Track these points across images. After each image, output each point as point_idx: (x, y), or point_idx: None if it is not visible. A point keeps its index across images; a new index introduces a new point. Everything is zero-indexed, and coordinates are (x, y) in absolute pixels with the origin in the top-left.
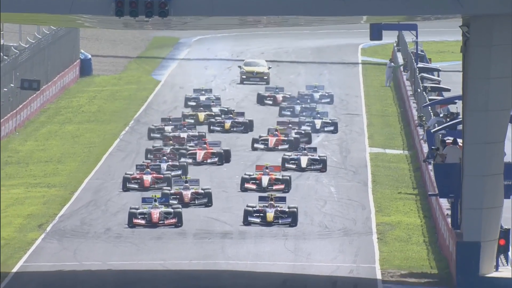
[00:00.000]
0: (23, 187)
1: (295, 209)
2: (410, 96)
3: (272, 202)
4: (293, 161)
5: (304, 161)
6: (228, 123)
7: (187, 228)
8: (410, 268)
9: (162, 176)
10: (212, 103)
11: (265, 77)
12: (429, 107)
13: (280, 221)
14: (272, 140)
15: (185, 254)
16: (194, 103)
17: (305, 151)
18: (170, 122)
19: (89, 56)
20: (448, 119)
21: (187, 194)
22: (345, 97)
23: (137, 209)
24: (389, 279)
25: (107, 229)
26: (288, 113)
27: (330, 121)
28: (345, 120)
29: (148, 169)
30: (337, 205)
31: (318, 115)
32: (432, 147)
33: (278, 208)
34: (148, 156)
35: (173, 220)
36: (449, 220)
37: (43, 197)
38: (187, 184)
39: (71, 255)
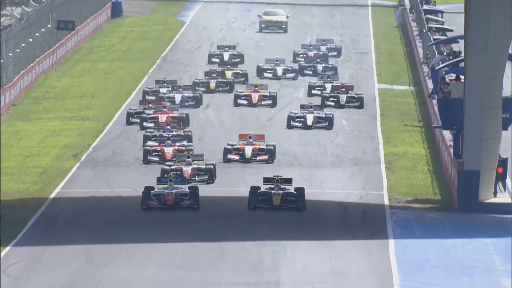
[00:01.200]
0: (59, 120)
1: (303, 192)
2: (416, 36)
3: (278, 183)
4: (299, 119)
5: (310, 119)
6: (213, 83)
7: (212, 159)
8: (415, 195)
9: (184, 148)
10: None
11: (284, 26)
12: (434, 46)
13: (288, 205)
14: (255, 96)
15: None
16: (217, 60)
17: (311, 109)
18: (165, 84)
19: None
20: (451, 57)
21: (188, 170)
22: (356, 37)
23: (152, 189)
24: (396, 205)
25: (136, 159)
26: (310, 72)
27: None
28: (356, 58)
29: (169, 141)
30: (348, 137)
31: (329, 79)
32: (443, 77)
33: (285, 191)
34: (130, 119)
35: (189, 202)
36: (451, 150)
37: (78, 129)
38: (189, 160)
39: (104, 182)
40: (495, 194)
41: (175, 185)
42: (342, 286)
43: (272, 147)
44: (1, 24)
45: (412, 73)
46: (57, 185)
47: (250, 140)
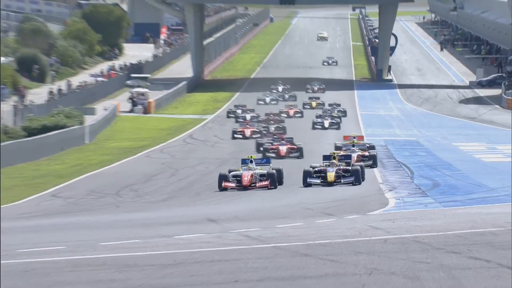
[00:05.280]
0: (264, 40)
1: (359, 167)
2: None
3: (334, 161)
4: (319, 124)
5: (326, 123)
6: (314, 102)
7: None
8: (363, 76)
9: (296, 147)
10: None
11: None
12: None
13: (342, 180)
14: (290, 111)
15: None
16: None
17: (326, 117)
18: (239, 107)
19: None
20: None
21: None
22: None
23: (234, 171)
24: (357, 80)
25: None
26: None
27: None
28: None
29: (283, 141)
30: (340, 66)
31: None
32: (374, 40)
33: (341, 167)
34: (228, 115)
35: (265, 183)
36: (374, 62)
37: (267, 41)
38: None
39: (269, 73)
40: (387, 76)
41: (257, 167)
42: (339, 103)
43: (373, 144)
44: None
45: (363, 42)
46: (252, 73)
47: (354, 139)
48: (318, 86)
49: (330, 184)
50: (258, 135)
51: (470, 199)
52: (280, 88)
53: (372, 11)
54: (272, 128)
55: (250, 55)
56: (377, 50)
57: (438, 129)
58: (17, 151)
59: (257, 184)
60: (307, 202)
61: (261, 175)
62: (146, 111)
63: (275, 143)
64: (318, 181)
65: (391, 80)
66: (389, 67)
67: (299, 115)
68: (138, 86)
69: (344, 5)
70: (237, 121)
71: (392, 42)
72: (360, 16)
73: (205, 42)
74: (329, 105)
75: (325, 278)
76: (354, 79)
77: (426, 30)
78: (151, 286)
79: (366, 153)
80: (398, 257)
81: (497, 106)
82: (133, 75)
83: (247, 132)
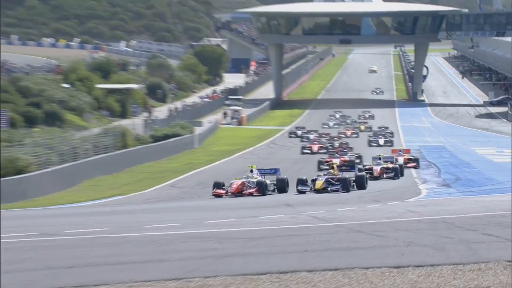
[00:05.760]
0: (319, 81)
1: (347, 177)
2: (405, 68)
3: (331, 170)
4: (375, 141)
5: (381, 141)
6: (363, 126)
7: None
8: (402, 97)
9: (348, 159)
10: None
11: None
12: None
13: (329, 188)
14: (347, 132)
15: None
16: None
17: (381, 136)
18: (299, 128)
19: None
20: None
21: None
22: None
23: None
24: (398, 100)
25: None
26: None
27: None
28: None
29: (337, 154)
30: (385, 92)
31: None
32: (411, 70)
33: (337, 176)
34: (290, 135)
35: (252, 190)
36: (411, 87)
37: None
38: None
39: (331, 95)
40: (421, 97)
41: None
42: (382, 119)
43: (417, 157)
44: None
45: (402, 71)
46: (317, 96)
47: (400, 152)
48: (368, 114)
49: (318, 191)
50: (324, 151)
51: (484, 190)
52: (337, 115)
53: (409, 48)
54: (336, 144)
55: (317, 82)
56: (412, 78)
57: (459, 137)
58: (146, 153)
59: (244, 192)
60: (359, 192)
61: (251, 183)
62: (239, 123)
63: (330, 156)
64: (308, 188)
65: (423, 100)
66: (422, 90)
67: (355, 135)
68: (234, 105)
69: (388, 44)
70: (302, 141)
71: (424, 72)
72: (400, 52)
73: (284, 72)
74: (379, 127)
75: (373, 249)
76: (395, 99)
77: (450, 62)
78: (243, 254)
79: (390, 166)
80: (429, 233)
81: (504, 120)
82: (230, 96)
83: (315, 148)
